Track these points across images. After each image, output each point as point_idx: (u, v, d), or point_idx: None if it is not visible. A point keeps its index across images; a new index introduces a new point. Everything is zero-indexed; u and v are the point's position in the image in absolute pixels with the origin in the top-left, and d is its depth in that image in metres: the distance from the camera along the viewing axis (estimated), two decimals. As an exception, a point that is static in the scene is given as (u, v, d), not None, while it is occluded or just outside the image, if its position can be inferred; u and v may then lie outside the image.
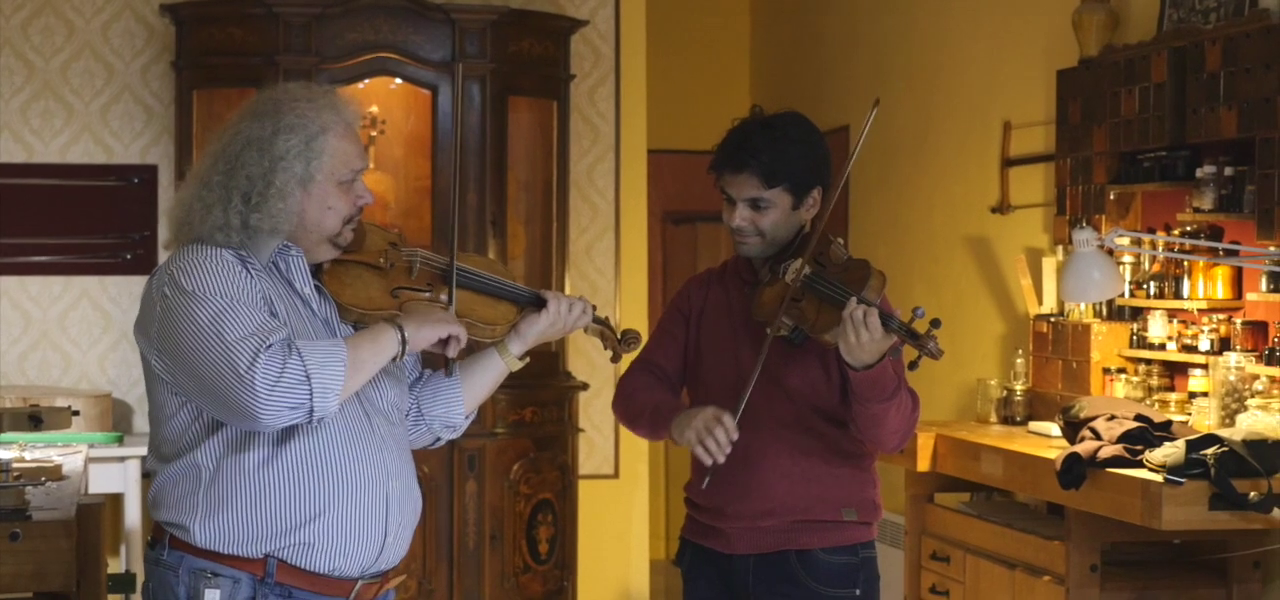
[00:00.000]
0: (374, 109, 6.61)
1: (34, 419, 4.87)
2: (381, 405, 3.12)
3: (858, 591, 3.68)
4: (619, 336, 3.38)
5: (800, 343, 3.54)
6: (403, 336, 2.99)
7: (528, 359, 3.32)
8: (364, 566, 3.06)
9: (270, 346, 2.84)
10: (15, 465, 4.63)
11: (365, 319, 3.10)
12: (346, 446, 3.01)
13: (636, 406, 3.80)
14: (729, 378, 3.65)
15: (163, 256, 7.18)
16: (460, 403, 3.33)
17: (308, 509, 2.98)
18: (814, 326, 3.46)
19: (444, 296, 3.16)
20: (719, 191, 3.72)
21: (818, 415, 3.65)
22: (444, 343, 3.07)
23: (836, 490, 3.68)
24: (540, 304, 3.26)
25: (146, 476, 6.25)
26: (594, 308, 3.34)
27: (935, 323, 3.33)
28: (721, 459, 3.50)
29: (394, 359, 3.01)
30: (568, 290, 6.79)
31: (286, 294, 3.03)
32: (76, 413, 5.24)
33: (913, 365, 3.40)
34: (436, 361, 3.23)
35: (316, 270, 3.10)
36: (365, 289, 3.12)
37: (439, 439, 3.36)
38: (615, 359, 3.44)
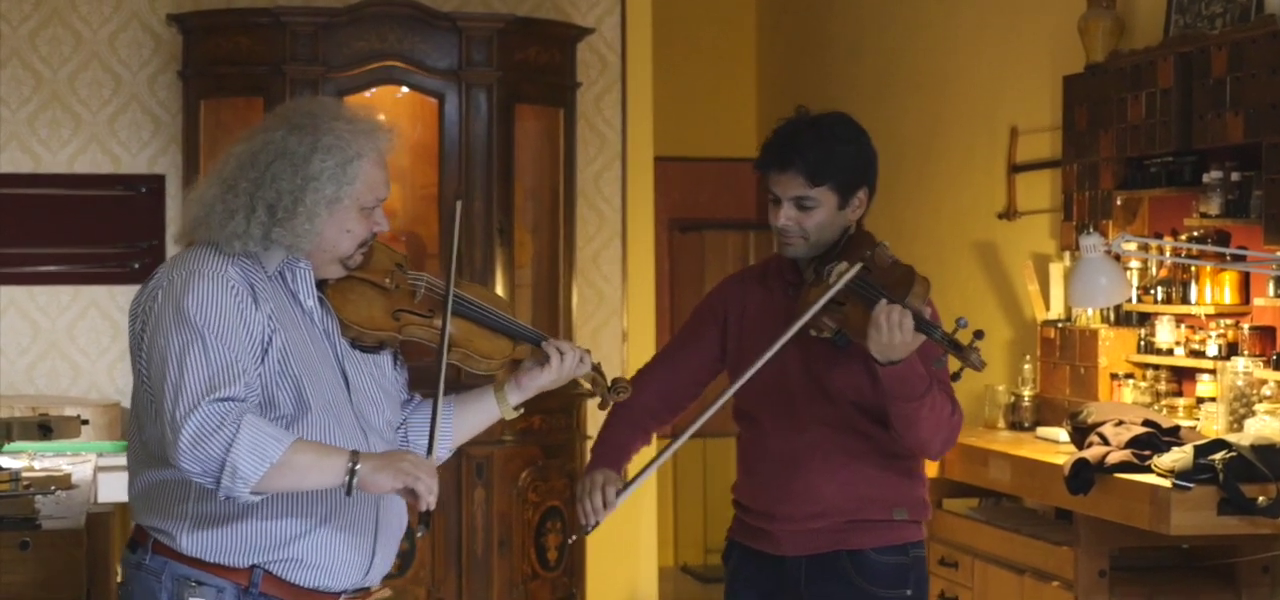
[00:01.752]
0: (381, 118, 6.61)
1: (43, 428, 4.88)
2: (377, 424, 3.10)
3: (909, 591, 3.65)
4: (609, 385, 3.37)
5: (843, 346, 3.51)
6: (352, 469, 2.83)
7: (522, 410, 3.30)
8: (350, 583, 3.05)
9: (221, 401, 2.79)
10: (25, 474, 4.64)
11: (363, 338, 3.08)
12: None
13: (606, 432, 3.85)
14: (773, 378, 3.62)
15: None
16: (449, 437, 3.27)
17: (299, 524, 2.96)
18: (857, 330, 3.43)
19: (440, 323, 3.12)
20: (765, 192, 3.68)
21: (863, 416, 3.61)
22: (412, 496, 2.89)
23: (886, 490, 3.65)
24: (537, 342, 3.22)
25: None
26: (589, 354, 3.30)
27: (979, 334, 3.31)
28: (589, 525, 3.55)
29: (344, 490, 2.85)
30: (576, 299, 6.79)
31: (291, 306, 3.00)
32: (86, 422, 5.25)
33: (956, 376, 3.38)
34: (410, 516, 3.13)
35: (321, 283, 3.08)
36: (367, 308, 3.09)
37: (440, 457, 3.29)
38: (603, 406, 3.45)
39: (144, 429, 2.99)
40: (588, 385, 3.35)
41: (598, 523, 3.57)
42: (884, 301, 3.35)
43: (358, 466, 2.84)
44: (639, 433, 3.84)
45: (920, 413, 3.48)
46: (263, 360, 2.90)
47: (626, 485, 3.61)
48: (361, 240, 3.04)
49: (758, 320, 3.72)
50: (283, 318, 2.96)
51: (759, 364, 3.51)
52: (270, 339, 2.91)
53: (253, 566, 2.95)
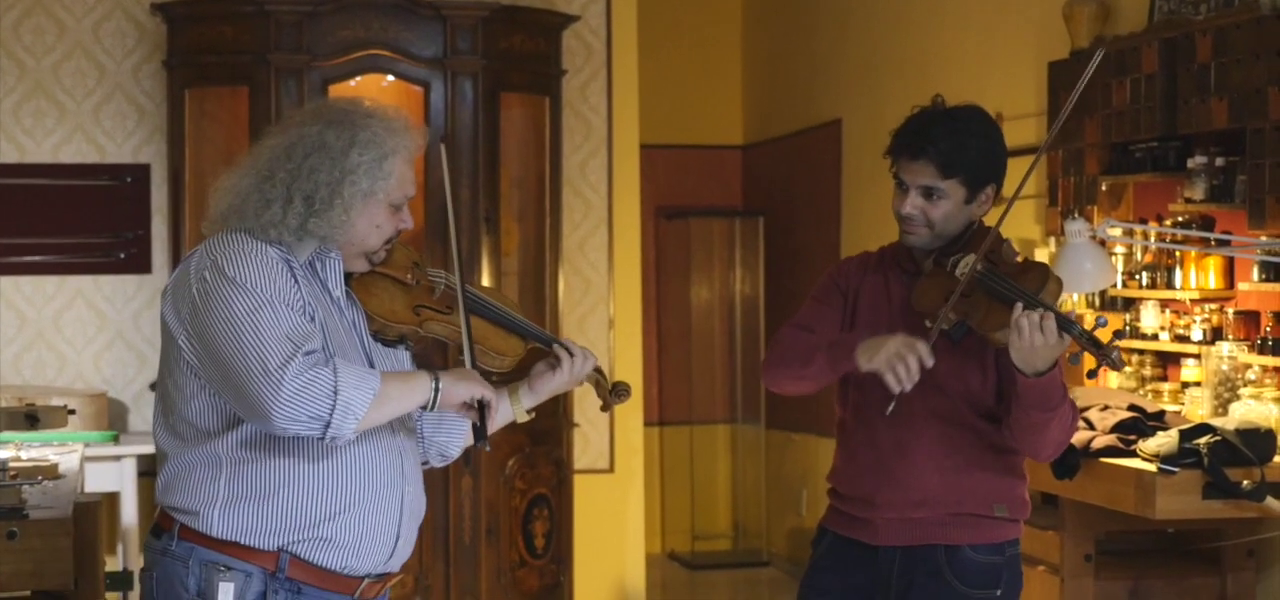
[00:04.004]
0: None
1: (30, 418, 4.88)
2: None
3: (999, 592, 3.62)
4: (611, 387, 3.40)
5: (959, 339, 3.48)
6: (437, 386, 3.00)
7: (534, 415, 3.36)
8: (374, 566, 3.09)
9: (309, 353, 2.87)
10: (12, 464, 4.64)
11: (386, 330, 3.16)
12: (370, 447, 3.03)
13: (805, 348, 3.64)
14: None
15: (157, 254, 7.19)
16: (461, 438, 3.36)
17: (331, 505, 3.00)
18: (983, 323, 3.39)
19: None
20: (893, 178, 3.63)
21: (971, 409, 3.59)
22: (479, 408, 3.06)
23: (989, 486, 3.61)
24: (548, 344, 3.29)
25: (143, 475, 6.26)
26: (594, 357, 3.35)
27: (1118, 333, 3.29)
28: (908, 386, 3.41)
29: (424, 407, 3.01)
30: (562, 286, 6.80)
31: (321, 294, 3.05)
32: (72, 411, 5.25)
33: (1092, 374, 3.36)
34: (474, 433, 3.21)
35: (347, 277, 3.14)
36: (390, 301, 3.18)
37: (428, 462, 3.35)
38: (605, 408, 3.45)
39: (176, 410, 3.02)
40: (592, 387, 3.40)
41: (911, 386, 3.41)
42: (1021, 306, 3.30)
43: (440, 382, 2.99)
44: None
45: (1051, 423, 3.45)
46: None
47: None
48: (389, 236, 3.12)
49: (871, 303, 3.68)
50: (317, 303, 3.02)
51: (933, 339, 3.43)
52: (312, 318, 2.98)
53: (280, 549, 2.98)
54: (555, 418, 6.62)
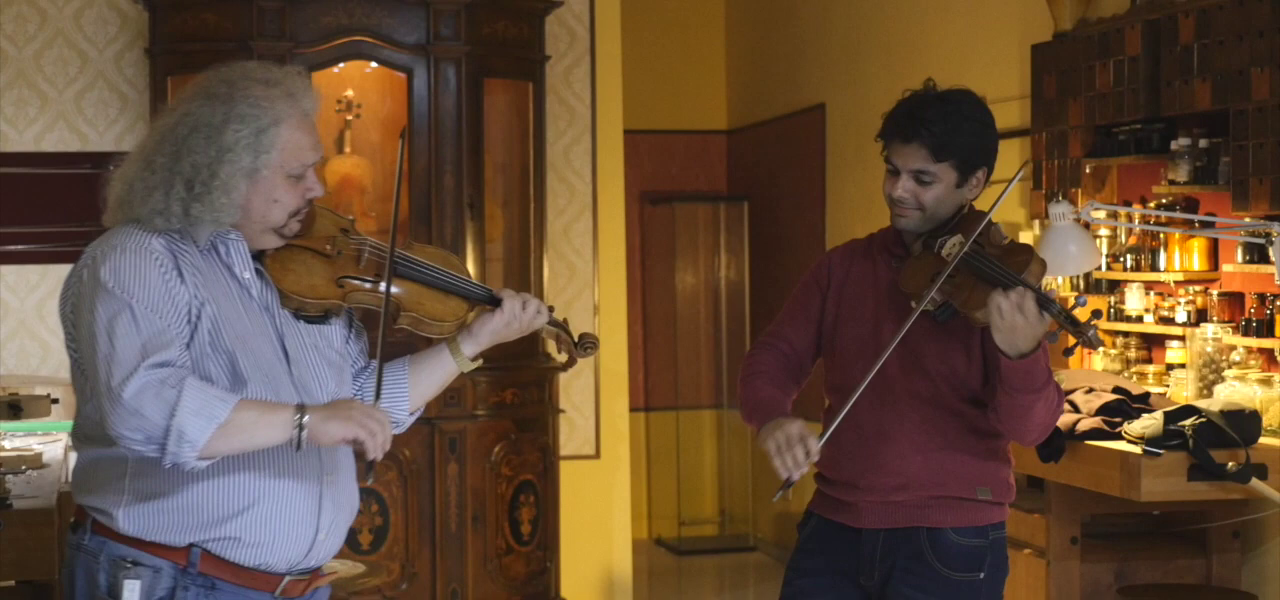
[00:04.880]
0: (349, 93, 6.60)
1: (13, 408, 4.87)
2: (319, 397, 2.98)
3: (982, 575, 3.63)
4: (576, 341, 3.23)
5: (946, 319, 3.49)
6: (301, 424, 2.78)
7: (481, 362, 3.18)
8: (292, 562, 2.97)
9: (158, 366, 2.73)
10: (-5, 455, 4.63)
11: (305, 308, 2.99)
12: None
13: (751, 394, 3.71)
14: (867, 348, 3.59)
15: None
16: (406, 399, 3.17)
17: (235, 501, 2.88)
18: (967, 303, 3.40)
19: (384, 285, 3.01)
20: (884, 161, 3.63)
21: (954, 393, 3.59)
22: (359, 445, 2.81)
23: (972, 468, 3.61)
24: (494, 302, 3.11)
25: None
26: (552, 310, 3.19)
27: (1096, 313, 3.29)
28: (795, 477, 3.45)
29: (293, 444, 2.79)
30: (547, 272, 6.79)
31: (225, 278, 2.92)
32: (56, 401, 5.23)
33: (1068, 352, 3.35)
34: (357, 465, 3.02)
35: (259, 254, 2.98)
36: (308, 276, 2.99)
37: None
38: (569, 363, 3.27)
39: (80, 409, 2.94)
40: (553, 342, 3.24)
41: (800, 477, 3.46)
42: (1000, 290, 3.31)
43: (305, 419, 2.78)
44: (788, 385, 3.75)
45: (1036, 405, 3.44)
46: (192, 337, 2.83)
47: (821, 435, 3.51)
48: (293, 210, 2.94)
49: (857, 289, 3.69)
50: (214, 291, 2.88)
51: (889, 351, 3.46)
52: (199, 313, 2.84)
53: (191, 545, 2.88)
54: (541, 404, 6.62)
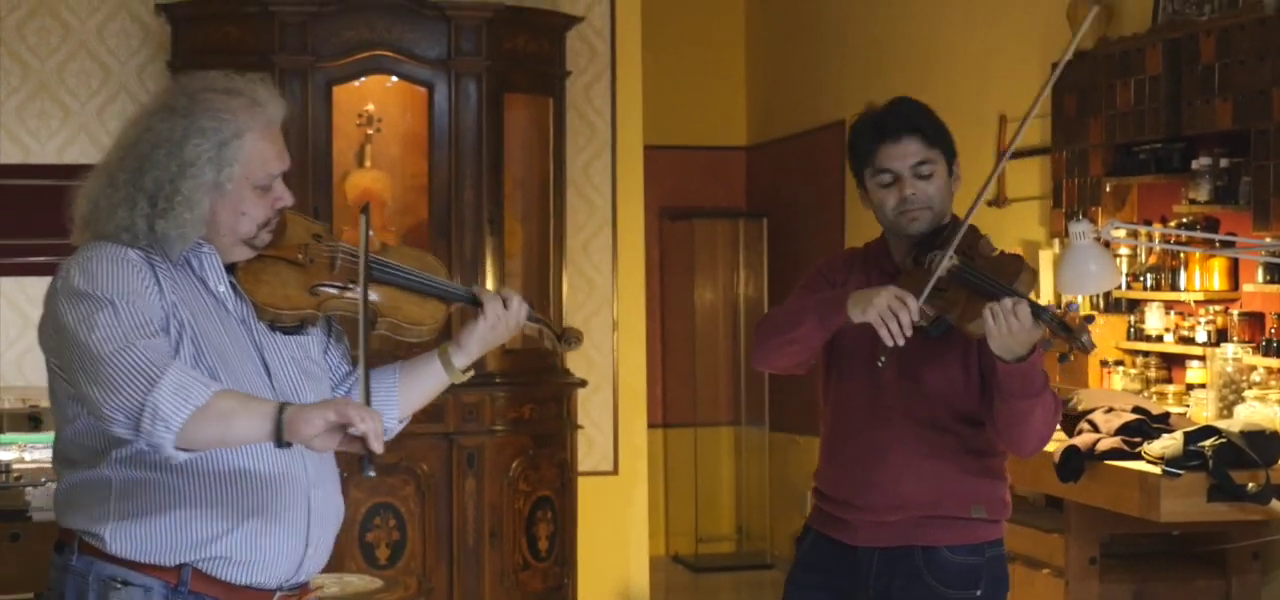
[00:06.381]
0: (370, 107, 6.62)
1: (33, 420, 4.88)
2: None
3: (979, 592, 3.61)
4: (558, 334, 3.15)
5: (940, 334, 3.49)
6: (279, 421, 2.67)
7: (473, 372, 3.10)
8: (283, 579, 2.92)
9: (142, 340, 2.68)
10: (15, 466, 4.64)
11: (281, 319, 2.91)
12: (265, 454, 2.82)
13: (792, 310, 3.61)
14: (864, 365, 3.58)
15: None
16: (394, 407, 3.09)
17: (223, 521, 2.83)
18: (961, 316, 3.41)
19: (360, 291, 2.91)
20: (870, 180, 3.64)
21: (950, 411, 3.59)
22: (345, 433, 2.68)
23: (966, 487, 3.60)
24: (473, 302, 3.03)
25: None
26: (531, 305, 3.10)
27: (1088, 318, 3.31)
28: (901, 341, 3.38)
29: (273, 438, 2.68)
30: (566, 288, 6.79)
31: (200, 293, 2.86)
32: (75, 414, 5.22)
33: (1063, 358, 3.37)
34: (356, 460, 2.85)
35: (232, 267, 2.91)
36: (282, 287, 2.91)
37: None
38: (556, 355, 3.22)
39: (61, 433, 2.89)
40: (536, 335, 3.15)
41: (904, 342, 3.39)
42: (994, 300, 3.32)
43: (285, 413, 2.67)
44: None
45: (1034, 410, 3.44)
46: (177, 351, 2.77)
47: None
48: (262, 221, 2.88)
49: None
50: (192, 306, 2.83)
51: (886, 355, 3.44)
52: (181, 326, 2.79)
53: (181, 565, 2.82)
54: (559, 420, 6.62)
